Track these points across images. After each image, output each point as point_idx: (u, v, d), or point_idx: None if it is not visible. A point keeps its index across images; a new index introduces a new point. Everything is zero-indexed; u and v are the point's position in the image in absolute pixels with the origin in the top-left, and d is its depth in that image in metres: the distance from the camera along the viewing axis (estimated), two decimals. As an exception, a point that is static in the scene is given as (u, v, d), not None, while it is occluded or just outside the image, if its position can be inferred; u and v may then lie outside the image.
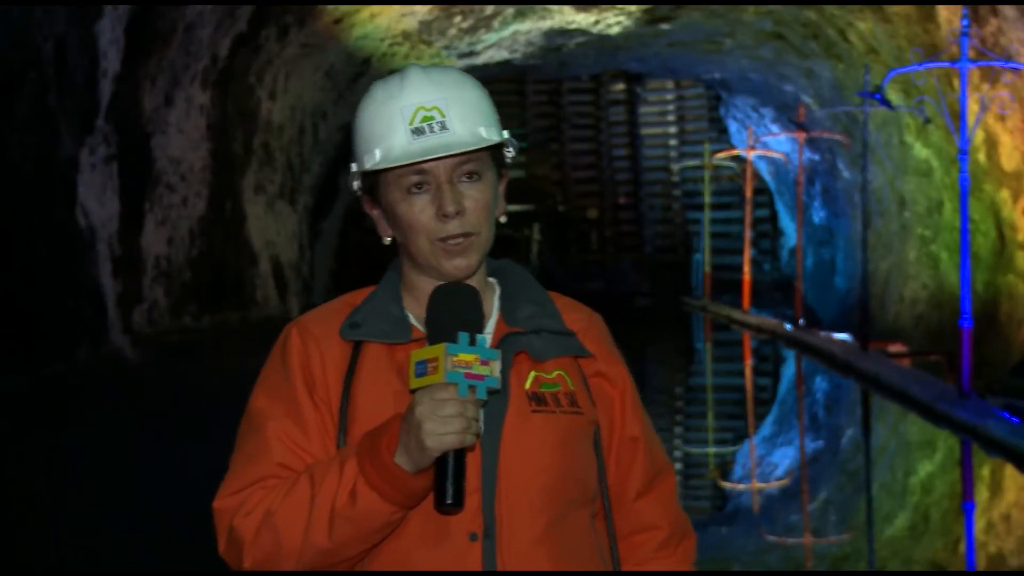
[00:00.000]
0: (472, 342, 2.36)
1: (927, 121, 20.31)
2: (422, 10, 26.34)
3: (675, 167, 45.15)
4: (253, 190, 25.18)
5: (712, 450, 15.49)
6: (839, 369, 21.95)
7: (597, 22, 29.26)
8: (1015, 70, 18.30)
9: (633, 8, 28.08)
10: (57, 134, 17.57)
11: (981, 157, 20.90)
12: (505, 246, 44.82)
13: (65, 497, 10.88)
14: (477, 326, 2.44)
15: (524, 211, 44.84)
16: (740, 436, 16.63)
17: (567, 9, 28.22)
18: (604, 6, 27.92)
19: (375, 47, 27.16)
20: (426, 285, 2.61)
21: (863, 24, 24.14)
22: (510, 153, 2.64)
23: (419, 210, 2.53)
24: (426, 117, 2.53)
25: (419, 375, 2.35)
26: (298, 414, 2.53)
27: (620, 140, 45.87)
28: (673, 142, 45.40)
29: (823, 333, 26.75)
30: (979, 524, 11.38)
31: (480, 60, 31.67)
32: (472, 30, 28.63)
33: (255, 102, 24.86)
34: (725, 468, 14.15)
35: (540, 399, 2.56)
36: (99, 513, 10.41)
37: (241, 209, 24.90)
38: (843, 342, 24.36)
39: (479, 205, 2.54)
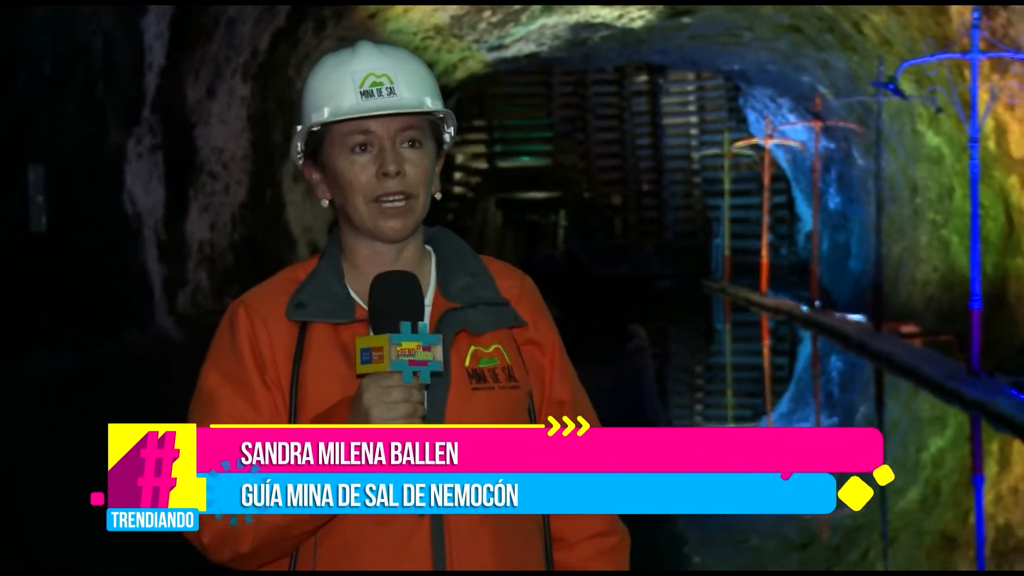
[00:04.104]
0: (414, 329, 2.38)
1: (939, 110, 20.27)
2: (453, 5, 26.42)
3: (696, 155, 44.85)
4: (292, 178, 25.02)
5: (731, 427, 15.77)
6: (853, 349, 21.83)
7: (621, 16, 29.24)
8: None
9: (655, 3, 28.19)
10: (105, 125, 17.34)
11: (991, 145, 20.78)
12: (533, 232, 44.78)
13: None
14: (418, 313, 2.46)
15: (551, 198, 44.47)
16: (758, 413, 16.74)
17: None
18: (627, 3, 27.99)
19: (408, 41, 27.08)
20: (366, 251, 2.64)
21: (877, 17, 24.03)
22: (449, 133, 2.68)
23: (360, 169, 2.56)
24: (375, 83, 2.56)
25: (364, 362, 2.39)
26: (250, 395, 2.55)
27: (643, 130, 45.51)
28: (694, 131, 45.07)
29: (838, 314, 26.59)
30: (988, 497, 11.51)
31: (509, 53, 31.72)
32: (501, 24, 28.71)
33: (294, 94, 24.46)
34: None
35: (480, 376, 2.59)
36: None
37: (280, 196, 24.77)
38: (857, 323, 24.26)
39: (419, 169, 2.58)
